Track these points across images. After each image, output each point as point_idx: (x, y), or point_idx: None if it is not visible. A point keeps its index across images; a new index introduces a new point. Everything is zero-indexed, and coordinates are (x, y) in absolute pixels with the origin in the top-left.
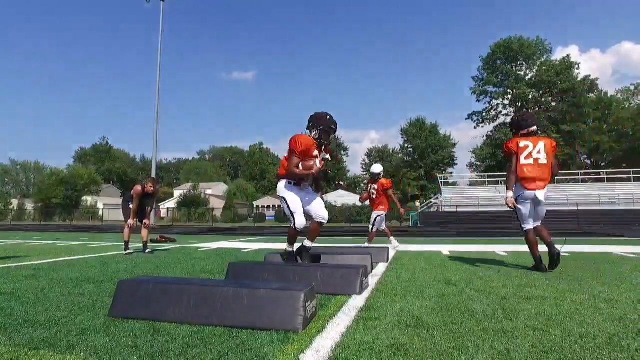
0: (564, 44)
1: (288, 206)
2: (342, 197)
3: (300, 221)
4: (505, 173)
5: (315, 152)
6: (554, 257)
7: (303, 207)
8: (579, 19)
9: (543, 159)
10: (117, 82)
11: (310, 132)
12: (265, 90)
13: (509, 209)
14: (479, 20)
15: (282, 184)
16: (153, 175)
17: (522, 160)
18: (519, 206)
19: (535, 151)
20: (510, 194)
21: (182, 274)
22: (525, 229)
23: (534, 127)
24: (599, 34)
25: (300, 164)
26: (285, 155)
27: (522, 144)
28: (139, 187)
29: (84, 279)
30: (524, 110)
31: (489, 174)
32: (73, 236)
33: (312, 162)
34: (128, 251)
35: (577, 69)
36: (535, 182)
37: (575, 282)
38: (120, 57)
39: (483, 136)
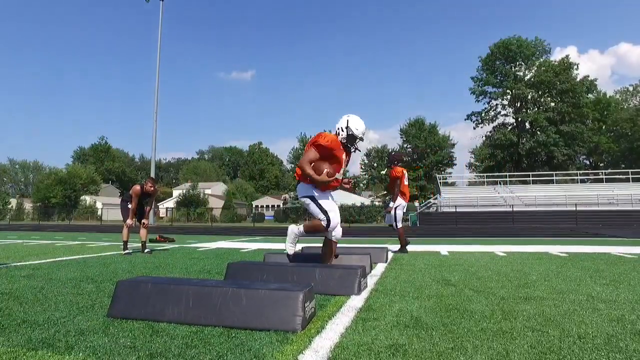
0: (563, 45)
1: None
2: (342, 197)
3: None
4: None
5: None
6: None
7: None
8: (578, 19)
9: (406, 182)
10: (116, 82)
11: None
12: (264, 90)
13: (384, 212)
14: (478, 20)
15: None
16: (152, 175)
17: (405, 182)
18: (399, 212)
19: (406, 177)
20: (397, 203)
21: (180, 274)
22: (399, 226)
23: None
24: (597, 34)
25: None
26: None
27: (404, 172)
28: (137, 187)
29: (83, 279)
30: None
31: (488, 174)
32: (71, 236)
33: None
34: (127, 251)
35: (576, 69)
36: (408, 196)
37: (573, 283)
38: (119, 56)
39: (482, 136)
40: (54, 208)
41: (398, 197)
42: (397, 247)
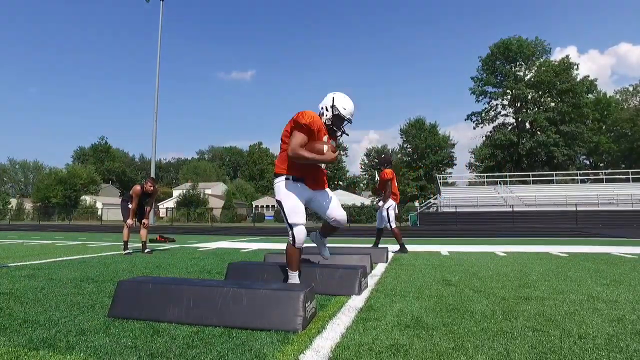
0: (563, 45)
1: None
2: (342, 197)
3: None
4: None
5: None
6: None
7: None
8: (578, 19)
9: (396, 183)
10: (117, 82)
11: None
12: (264, 89)
13: (372, 211)
14: (478, 20)
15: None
16: (152, 175)
17: (395, 183)
18: (391, 212)
19: (395, 179)
20: (388, 204)
21: (181, 274)
22: (393, 226)
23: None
24: (597, 34)
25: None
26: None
27: (393, 173)
28: (138, 187)
29: (83, 279)
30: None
31: (488, 174)
32: (72, 236)
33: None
34: (127, 251)
35: (576, 69)
36: (398, 197)
37: (573, 283)
38: (119, 56)
39: (482, 136)
40: (54, 208)
41: (389, 199)
42: (397, 247)
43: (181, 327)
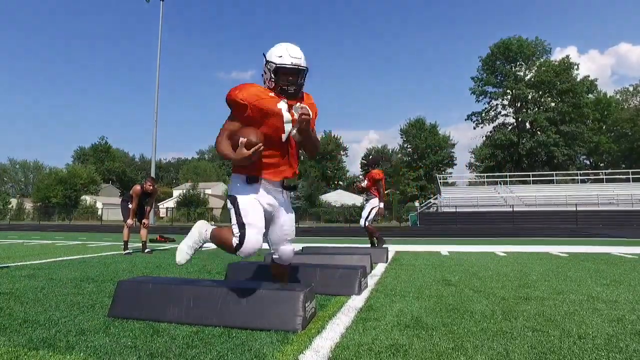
0: (563, 45)
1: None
2: (342, 197)
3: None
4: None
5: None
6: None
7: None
8: (578, 19)
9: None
10: (117, 82)
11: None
12: None
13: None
14: (478, 20)
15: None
16: (152, 175)
17: (384, 184)
18: (374, 211)
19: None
20: (375, 204)
21: (181, 274)
22: (367, 224)
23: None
24: (597, 34)
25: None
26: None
27: (383, 175)
28: (138, 187)
29: (83, 279)
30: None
31: (488, 174)
32: (72, 236)
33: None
34: (127, 251)
35: (576, 69)
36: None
37: (573, 283)
38: (119, 56)
39: (482, 136)
40: (54, 208)
41: (375, 198)
42: (397, 247)
43: (181, 327)
